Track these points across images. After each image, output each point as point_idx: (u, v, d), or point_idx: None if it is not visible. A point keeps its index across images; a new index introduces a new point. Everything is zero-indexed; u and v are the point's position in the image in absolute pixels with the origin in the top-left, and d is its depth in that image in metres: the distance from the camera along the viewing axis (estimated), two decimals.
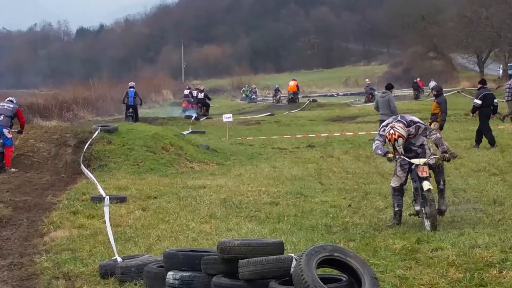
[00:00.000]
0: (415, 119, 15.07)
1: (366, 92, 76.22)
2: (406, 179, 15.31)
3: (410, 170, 15.11)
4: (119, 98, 49.94)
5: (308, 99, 77.14)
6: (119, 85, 66.96)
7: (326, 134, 35.56)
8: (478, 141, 29.09)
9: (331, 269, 10.28)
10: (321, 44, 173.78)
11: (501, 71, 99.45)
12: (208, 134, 37.86)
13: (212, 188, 20.79)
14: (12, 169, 23.92)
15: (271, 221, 16.00)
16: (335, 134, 36.59)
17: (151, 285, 11.16)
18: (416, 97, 75.37)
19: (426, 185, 14.62)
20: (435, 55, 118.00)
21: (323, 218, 15.99)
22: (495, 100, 29.66)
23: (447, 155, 15.03)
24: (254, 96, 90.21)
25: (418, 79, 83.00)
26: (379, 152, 15.07)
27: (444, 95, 29.30)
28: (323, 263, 9.73)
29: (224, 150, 30.46)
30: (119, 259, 12.30)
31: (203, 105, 58.44)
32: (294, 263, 9.63)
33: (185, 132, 34.53)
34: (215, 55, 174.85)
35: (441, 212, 14.89)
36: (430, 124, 26.94)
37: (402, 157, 14.87)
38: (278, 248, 10.41)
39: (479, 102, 29.17)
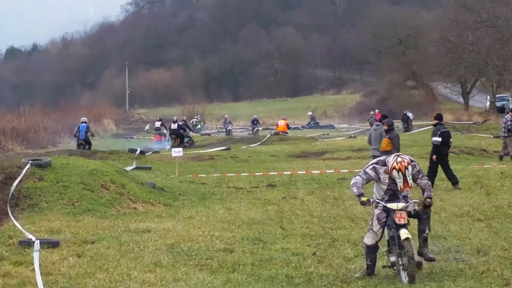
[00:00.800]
0: (411, 158, 15.07)
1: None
2: (382, 234, 15.03)
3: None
4: (52, 129, 50.01)
5: (270, 132, 77.07)
6: (54, 114, 66.75)
7: (289, 172, 35.67)
8: (454, 181, 29.34)
9: None
10: (285, 69, 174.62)
11: (488, 103, 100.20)
12: (154, 171, 37.78)
13: (158, 232, 20.73)
14: None
15: (224, 270, 15.98)
16: (299, 172, 36.69)
17: None
18: (407, 130, 75.42)
19: (403, 233, 14.31)
20: (414, 83, 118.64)
21: (284, 268, 16.00)
22: (451, 140, 29.98)
23: (429, 200, 14.90)
24: (229, 127, 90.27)
25: (377, 110, 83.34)
26: (355, 190, 14.95)
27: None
28: None
29: (173, 189, 30.40)
30: None
31: (177, 136, 59.13)
32: None
33: (128, 168, 34.46)
34: (164, 81, 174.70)
35: (419, 265, 14.69)
36: None
37: (378, 201, 14.82)
38: None
39: (439, 139, 29.40)
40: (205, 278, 15.24)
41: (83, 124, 52.48)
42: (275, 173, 37.40)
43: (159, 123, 63.95)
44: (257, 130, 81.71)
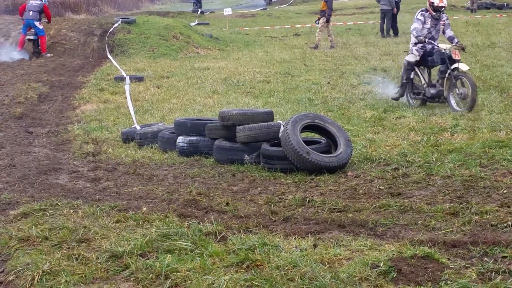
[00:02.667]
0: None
1: None
2: (419, 59, 13.84)
3: (424, 55, 13.72)
4: None
5: None
6: None
7: (310, 25, 35.13)
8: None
9: (312, 134, 10.30)
10: None
11: None
12: (211, 25, 37.40)
13: (215, 69, 20.68)
14: (48, 54, 23.91)
15: (263, 96, 15.96)
16: (316, 24, 36.16)
17: (165, 148, 11.21)
18: None
19: (464, 66, 13.08)
20: None
21: (307, 93, 15.95)
22: None
23: (462, 43, 14.07)
24: None
25: None
26: (415, 33, 13.64)
27: None
28: (306, 128, 9.76)
29: (225, 38, 30.16)
30: (138, 127, 12.33)
31: None
32: (282, 128, 9.65)
33: (192, 24, 34.12)
34: None
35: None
36: (319, 19, 26.62)
37: (430, 40, 13.83)
38: (269, 116, 10.43)
39: None
40: (249, 101, 15.22)
41: None
42: (299, 25, 36.90)
43: None
44: None
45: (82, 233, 6.69)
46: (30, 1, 24.06)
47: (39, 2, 24.06)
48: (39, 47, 23.89)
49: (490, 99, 13.75)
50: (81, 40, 25.41)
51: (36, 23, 23.66)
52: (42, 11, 24.12)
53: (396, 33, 28.64)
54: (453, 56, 13.14)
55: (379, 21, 30.22)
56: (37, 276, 5.67)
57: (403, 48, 23.76)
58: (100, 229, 6.82)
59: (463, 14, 37.86)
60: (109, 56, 18.77)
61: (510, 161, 8.91)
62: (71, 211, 7.61)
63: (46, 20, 24.76)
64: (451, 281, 5.23)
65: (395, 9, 28.74)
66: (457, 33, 27.54)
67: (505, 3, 39.88)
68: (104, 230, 6.81)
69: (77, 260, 6.01)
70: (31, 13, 23.68)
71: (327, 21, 26.52)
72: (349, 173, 9.03)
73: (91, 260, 5.97)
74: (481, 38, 25.40)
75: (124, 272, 5.72)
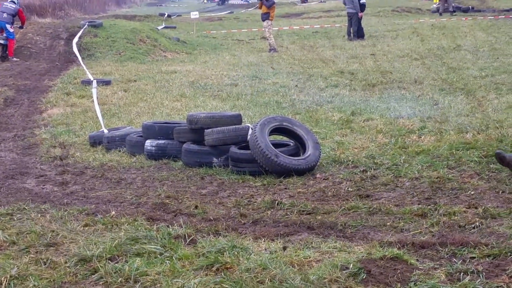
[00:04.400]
0: None
1: None
2: None
3: None
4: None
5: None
6: None
7: (277, 28, 35.16)
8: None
9: (281, 136, 10.31)
10: None
11: None
12: (178, 29, 37.34)
13: (182, 72, 20.64)
14: (14, 58, 23.76)
15: (231, 99, 15.94)
16: (284, 28, 36.24)
17: (132, 152, 11.16)
18: None
19: None
20: None
21: (274, 96, 15.96)
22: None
23: None
24: None
25: None
26: None
27: None
28: (274, 131, 9.77)
29: (192, 42, 30.13)
30: (105, 131, 12.24)
31: None
32: (250, 131, 9.65)
33: (159, 27, 34.04)
34: None
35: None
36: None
37: None
38: (237, 119, 10.44)
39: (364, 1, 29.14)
40: (217, 104, 15.20)
41: None
42: None
43: None
44: None
45: (50, 237, 6.64)
46: (5, 4, 23.91)
47: (14, 6, 23.96)
48: (6, 52, 23.74)
49: (457, 101, 13.88)
50: (47, 43, 25.25)
51: (8, 26, 23.54)
52: (16, 15, 24.00)
53: (361, 36, 28.74)
54: None
55: (346, 24, 30.37)
56: (4, 281, 5.60)
57: (369, 51, 23.93)
58: (69, 233, 6.77)
59: (429, 18, 38.19)
60: (79, 57, 18.61)
61: (477, 162, 9.00)
62: (39, 215, 7.54)
63: (20, 25, 24.65)
64: (420, 282, 5.26)
65: (361, 13, 28.88)
66: (423, 36, 27.87)
67: (470, 6, 40.24)
68: (72, 234, 6.76)
69: (45, 264, 5.95)
70: (4, 15, 23.53)
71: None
72: (318, 176, 9.05)
73: (60, 264, 5.92)
74: (446, 41, 25.63)
75: (93, 276, 5.68)
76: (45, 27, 26.92)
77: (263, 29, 27.24)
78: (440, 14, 38.64)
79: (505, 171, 8.47)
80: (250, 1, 71.61)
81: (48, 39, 25.53)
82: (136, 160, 10.77)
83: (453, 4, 39.37)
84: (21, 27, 25.06)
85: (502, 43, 23.92)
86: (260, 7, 26.74)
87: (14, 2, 24.19)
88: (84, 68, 18.42)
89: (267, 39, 26.56)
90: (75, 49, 19.77)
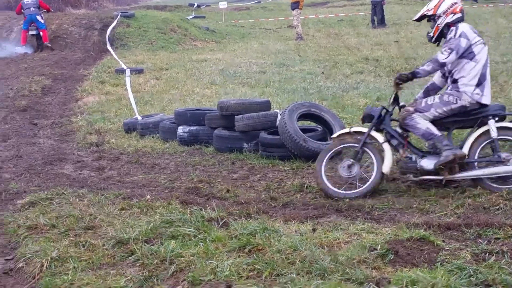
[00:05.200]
0: None
1: None
2: None
3: None
4: None
5: None
6: None
7: (303, 17, 35.04)
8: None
9: (309, 122, 10.29)
10: None
11: None
12: (207, 18, 37.31)
13: (212, 61, 20.63)
14: (49, 44, 23.88)
15: (260, 86, 15.91)
16: (309, 16, 36.09)
17: (165, 138, 11.20)
18: None
19: None
20: None
21: (302, 83, 15.91)
22: None
23: None
24: None
25: None
26: None
27: None
28: (302, 116, 9.77)
29: (221, 31, 30.10)
30: (139, 118, 12.30)
31: None
32: (279, 117, 9.64)
33: (189, 17, 34.03)
34: None
35: None
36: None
37: None
38: (266, 105, 10.44)
39: None
40: (246, 91, 15.19)
41: None
42: (293, 18, 36.82)
43: None
44: None
45: (88, 221, 6.69)
46: (26, 0, 24.08)
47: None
48: (41, 40, 23.89)
49: None
50: (82, 34, 25.32)
51: (38, 17, 23.72)
52: (39, 6, 24.16)
53: (384, 23, 28.61)
54: None
55: (370, 13, 30.19)
56: (46, 263, 5.66)
57: (393, 38, 23.76)
58: (106, 217, 6.81)
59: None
60: (110, 50, 18.69)
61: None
62: (77, 199, 7.60)
63: (46, 11, 24.80)
64: (447, 262, 5.23)
65: (384, 1, 28.73)
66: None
67: None
68: (109, 217, 6.80)
69: (84, 247, 6.00)
70: (32, 9, 23.72)
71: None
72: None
73: (98, 247, 5.97)
74: None
75: (130, 257, 5.72)
76: (80, 18, 27.00)
77: (292, 17, 27.12)
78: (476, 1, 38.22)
79: None
80: None
81: (83, 30, 25.61)
82: (169, 146, 10.82)
83: None
84: (48, 12, 25.23)
85: None
86: None
87: None
88: (116, 58, 18.48)
89: (295, 27, 26.49)
90: (108, 44, 19.77)
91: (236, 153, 9.83)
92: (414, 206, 6.86)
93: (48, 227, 6.63)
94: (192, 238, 6.03)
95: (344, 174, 7.49)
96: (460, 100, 7.28)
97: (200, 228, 6.25)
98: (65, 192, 7.94)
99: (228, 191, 7.86)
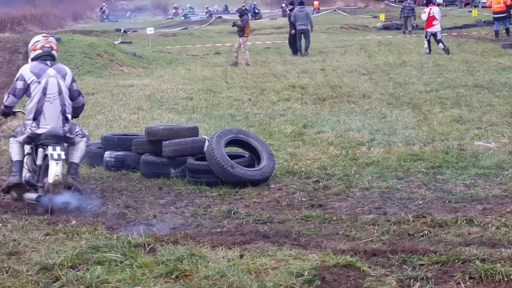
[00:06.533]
0: None
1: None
2: None
3: None
4: (59, 15, 48.50)
5: (214, 16, 75.15)
6: (60, 5, 64.89)
7: (230, 44, 35.19)
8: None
9: (236, 148, 10.31)
10: None
11: None
12: (134, 44, 37.21)
13: (139, 86, 20.51)
14: None
15: (187, 112, 15.88)
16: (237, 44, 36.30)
17: (92, 163, 11.05)
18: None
19: None
20: None
21: (229, 109, 15.95)
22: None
23: None
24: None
25: None
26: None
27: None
28: (230, 143, 9.77)
29: (148, 57, 30.04)
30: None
31: None
32: (207, 143, 9.63)
33: (115, 42, 33.87)
34: None
35: None
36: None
37: None
38: (194, 131, 10.42)
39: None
40: (173, 117, 15.14)
41: None
42: (220, 44, 37.03)
43: None
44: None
45: (12, 246, 6.53)
46: None
47: None
48: None
49: (404, 114, 14.03)
50: (6, 58, 24.95)
51: None
52: None
53: (297, 52, 28.92)
54: None
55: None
56: None
57: (319, 66, 24.07)
58: (30, 242, 6.67)
59: (375, 34, 38.64)
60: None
61: (424, 173, 9.14)
62: (0, 225, 7.42)
63: None
64: None
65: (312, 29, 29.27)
66: (371, 52, 28.16)
67: (414, 24, 40.75)
68: (34, 243, 6.66)
69: (7, 273, 5.86)
70: None
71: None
72: (272, 186, 9.08)
73: (22, 273, 5.83)
74: (393, 57, 25.94)
75: (55, 284, 5.61)
76: (4, 42, 26.66)
77: (237, 43, 27.04)
78: (406, 33, 39.06)
79: (451, 182, 8.61)
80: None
81: (7, 53, 25.26)
82: (95, 171, 10.67)
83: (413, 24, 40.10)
84: None
85: (445, 59, 24.23)
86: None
87: None
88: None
89: (234, 53, 26.69)
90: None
91: (163, 178, 9.77)
92: (341, 232, 6.93)
93: None
94: (119, 264, 5.96)
95: None
96: None
97: (126, 254, 6.18)
98: None
99: (155, 216, 7.81)
